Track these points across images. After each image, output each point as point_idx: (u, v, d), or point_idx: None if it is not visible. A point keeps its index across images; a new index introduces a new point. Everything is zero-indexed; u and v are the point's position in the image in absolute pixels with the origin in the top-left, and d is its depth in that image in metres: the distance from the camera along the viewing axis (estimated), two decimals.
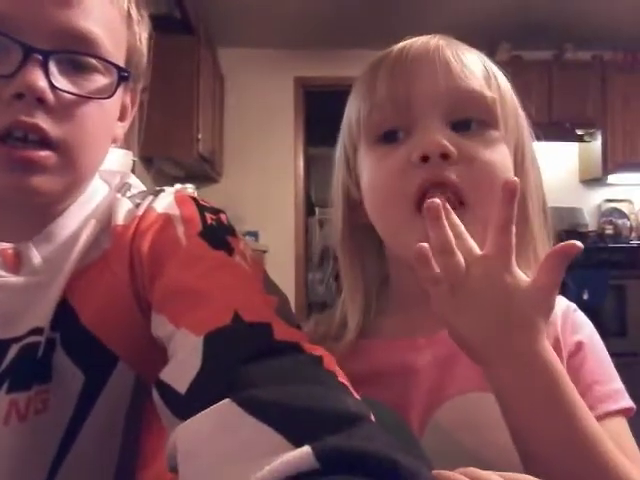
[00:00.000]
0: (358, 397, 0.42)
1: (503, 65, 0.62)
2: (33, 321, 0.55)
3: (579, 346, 0.58)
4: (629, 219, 4.48)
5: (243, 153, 4.31)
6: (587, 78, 4.24)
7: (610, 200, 4.61)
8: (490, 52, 0.62)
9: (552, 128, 3.85)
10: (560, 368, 0.47)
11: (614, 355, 0.60)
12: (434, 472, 0.42)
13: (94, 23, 0.54)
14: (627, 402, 0.56)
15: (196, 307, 0.49)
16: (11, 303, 0.56)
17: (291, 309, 0.53)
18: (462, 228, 0.48)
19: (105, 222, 0.61)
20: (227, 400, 0.38)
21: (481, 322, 0.47)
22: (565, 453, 0.46)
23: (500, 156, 0.56)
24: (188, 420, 0.40)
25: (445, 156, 0.53)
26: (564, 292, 0.61)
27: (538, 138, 0.63)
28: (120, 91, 0.59)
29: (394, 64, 0.57)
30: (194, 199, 0.63)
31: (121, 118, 0.65)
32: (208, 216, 0.60)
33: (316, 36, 4.13)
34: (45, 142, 0.53)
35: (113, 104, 0.60)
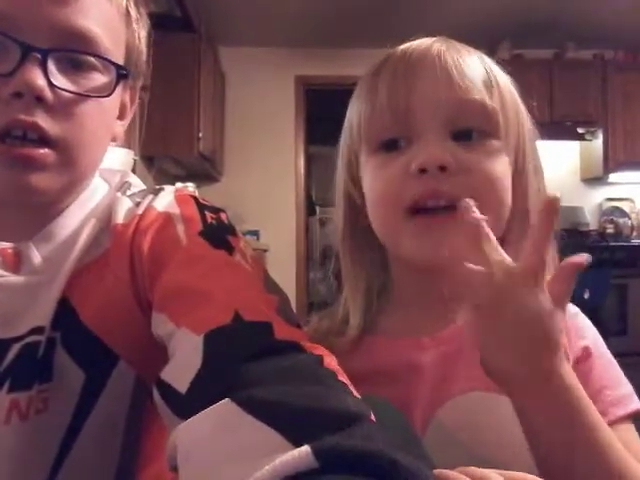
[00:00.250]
0: (358, 396, 0.42)
1: (504, 64, 0.62)
2: (34, 320, 0.55)
3: (586, 352, 0.58)
4: (630, 218, 4.47)
5: (244, 152, 4.31)
6: (588, 77, 4.24)
7: (611, 199, 4.60)
8: (491, 51, 0.62)
9: (553, 127, 3.85)
10: (580, 387, 0.47)
11: (615, 355, 0.60)
12: (435, 471, 0.42)
13: (92, 21, 0.54)
14: (637, 404, 0.57)
15: (196, 306, 0.49)
16: (11, 303, 0.56)
17: (291, 308, 0.53)
18: (494, 241, 0.47)
19: (105, 221, 0.61)
20: (227, 400, 0.38)
21: (514, 342, 0.46)
22: (584, 465, 0.46)
23: (499, 167, 0.56)
24: (188, 420, 0.39)
25: (443, 168, 0.53)
26: None
27: (539, 137, 0.63)
28: (119, 89, 0.59)
29: (394, 72, 0.57)
30: (194, 198, 0.63)
31: (120, 116, 0.65)
32: (208, 215, 0.60)
33: (317, 35, 4.13)
34: (44, 140, 0.53)
35: (112, 102, 0.60)
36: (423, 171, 0.53)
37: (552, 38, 4.16)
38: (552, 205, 0.46)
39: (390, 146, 0.58)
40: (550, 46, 4.23)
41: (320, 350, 0.46)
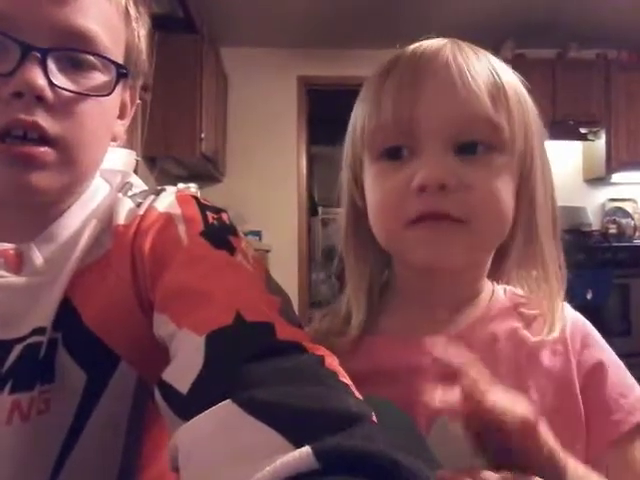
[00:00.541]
0: (360, 397, 0.42)
1: (506, 64, 0.61)
2: (35, 321, 0.55)
3: (599, 364, 0.58)
4: (633, 218, 4.46)
5: (246, 152, 4.31)
6: (591, 77, 4.23)
7: (614, 199, 4.59)
8: (494, 51, 0.61)
9: (556, 127, 3.84)
10: None
11: (619, 355, 0.61)
12: (438, 473, 0.42)
13: (92, 20, 0.54)
14: None
15: (198, 307, 0.49)
16: (13, 303, 0.56)
17: (293, 309, 0.53)
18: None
19: (106, 222, 0.61)
20: (228, 401, 0.38)
21: None
22: None
23: (502, 183, 0.55)
24: (189, 421, 0.39)
25: (443, 186, 0.53)
26: (567, 291, 0.61)
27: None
28: (119, 89, 0.59)
29: (400, 82, 0.56)
30: (195, 198, 0.62)
31: (121, 116, 0.65)
32: (210, 215, 0.60)
33: (319, 35, 4.13)
34: (44, 139, 0.53)
35: (112, 102, 0.60)
36: (423, 189, 0.53)
37: (555, 38, 4.16)
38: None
39: (393, 154, 0.57)
40: (553, 46, 4.23)
41: (322, 351, 0.46)
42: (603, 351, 0.60)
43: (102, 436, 0.58)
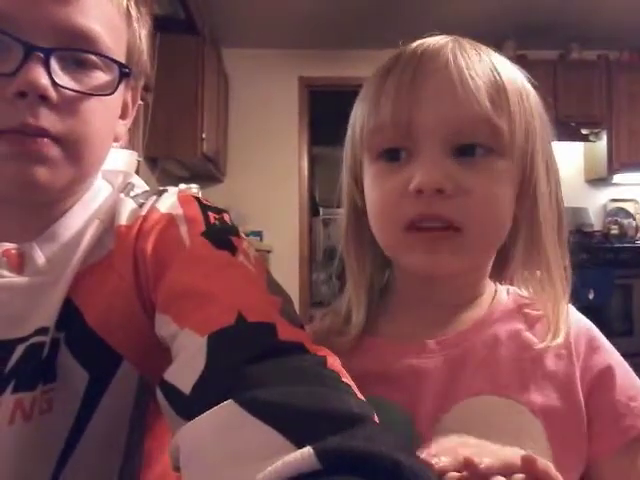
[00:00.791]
0: (362, 397, 0.42)
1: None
2: (38, 321, 0.55)
3: (607, 369, 0.57)
4: (635, 219, 4.45)
5: (247, 153, 4.32)
6: (592, 78, 4.23)
7: (615, 200, 4.59)
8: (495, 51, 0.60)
9: (557, 127, 3.81)
10: None
11: (621, 355, 0.60)
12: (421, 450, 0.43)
13: (93, 20, 0.54)
14: None
15: (200, 307, 0.49)
16: (16, 303, 0.56)
17: (295, 309, 0.53)
18: None
19: (108, 222, 0.61)
20: (230, 401, 0.38)
21: None
22: None
23: (500, 187, 0.55)
24: (191, 421, 0.40)
25: (440, 191, 0.52)
26: (570, 292, 0.61)
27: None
28: (121, 89, 0.59)
29: (399, 83, 0.55)
30: (197, 199, 0.63)
31: (123, 116, 0.65)
32: (211, 216, 0.60)
33: (320, 36, 4.13)
34: (48, 137, 0.53)
35: (115, 101, 0.60)
36: (420, 192, 0.53)
37: (556, 39, 4.16)
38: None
39: (391, 155, 0.57)
40: (554, 47, 4.23)
41: (324, 351, 0.46)
42: (610, 355, 0.59)
43: (104, 436, 0.58)
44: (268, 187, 4.31)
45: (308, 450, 0.33)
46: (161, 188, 0.66)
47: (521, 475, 0.41)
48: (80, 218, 0.61)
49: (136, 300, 0.58)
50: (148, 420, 0.62)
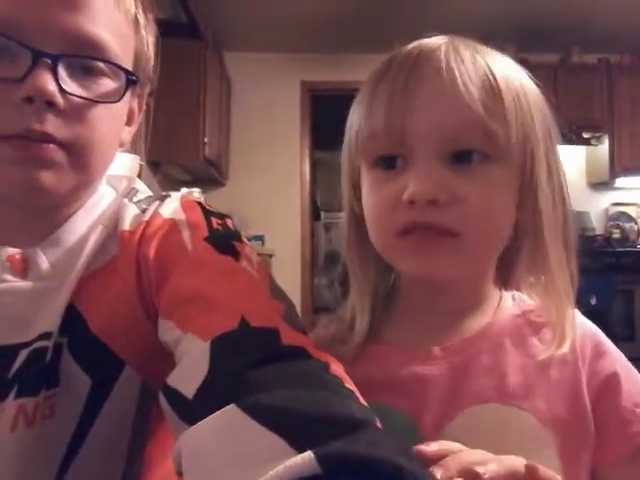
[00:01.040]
0: (365, 403, 0.42)
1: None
2: (42, 326, 0.55)
3: (613, 375, 0.57)
4: (637, 223, 4.45)
5: (249, 157, 4.32)
6: (593, 81, 4.23)
7: (617, 204, 4.59)
8: None
9: (558, 131, 3.84)
10: None
11: None
12: (417, 447, 0.43)
13: (102, 28, 0.55)
14: None
15: (203, 312, 0.49)
16: (19, 308, 0.56)
17: (297, 314, 0.53)
18: None
19: (112, 227, 0.61)
20: (232, 405, 0.38)
21: None
22: None
23: (498, 195, 0.54)
24: (194, 425, 0.40)
25: (434, 201, 0.51)
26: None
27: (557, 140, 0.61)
28: (128, 95, 0.60)
29: (392, 89, 0.54)
30: (200, 204, 0.63)
31: (128, 122, 0.66)
32: (214, 221, 0.60)
33: (323, 40, 4.14)
34: (54, 143, 0.53)
35: (121, 108, 0.61)
36: (413, 203, 0.52)
37: (557, 42, 4.16)
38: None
39: (387, 163, 0.56)
40: (555, 50, 4.23)
41: (326, 357, 0.46)
42: (616, 360, 0.58)
43: (106, 441, 0.58)
44: (270, 191, 4.32)
45: (309, 454, 0.33)
46: (164, 193, 0.66)
47: None
48: (84, 223, 0.61)
49: (139, 305, 0.58)
50: (150, 425, 0.62)
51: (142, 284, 0.58)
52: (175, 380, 0.45)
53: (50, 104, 0.52)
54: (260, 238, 4.17)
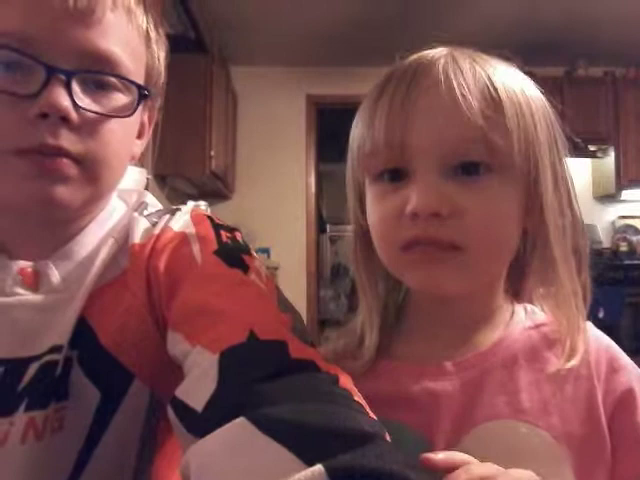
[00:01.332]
0: (374, 417, 0.42)
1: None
2: (52, 339, 0.55)
3: (629, 391, 0.55)
4: None
5: (255, 170, 4.34)
6: (599, 94, 4.23)
7: (624, 217, 4.57)
8: None
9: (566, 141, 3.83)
10: None
11: None
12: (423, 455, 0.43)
13: (114, 43, 0.55)
14: None
15: (212, 325, 0.49)
16: (30, 321, 0.56)
17: (305, 327, 0.53)
18: None
19: (123, 241, 0.62)
20: (241, 418, 0.38)
21: None
22: None
23: (501, 207, 0.53)
24: (203, 438, 0.40)
25: (436, 214, 0.51)
26: None
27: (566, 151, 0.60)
28: (139, 109, 0.60)
29: (391, 103, 0.54)
30: (209, 217, 0.63)
31: (139, 136, 0.66)
32: (224, 234, 0.60)
33: (328, 54, 4.17)
34: (68, 157, 0.53)
35: (133, 122, 0.61)
36: (416, 216, 0.52)
37: (563, 55, 4.17)
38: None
39: (390, 176, 0.56)
40: (561, 63, 4.24)
41: (335, 369, 0.46)
42: (632, 375, 0.57)
43: (115, 454, 0.58)
44: (276, 204, 4.33)
45: (319, 468, 0.33)
46: (174, 207, 0.66)
47: None
48: (95, 236, 0.61)
49: (149, 318, 0.58)
50: (158, 438, 0.62)
51: (152, 297, 0.58)
52: (183, 393, 0.45)
53: (64, 119, 0.52)
54: (266, 250, 4.17)
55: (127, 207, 0.66)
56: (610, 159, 4.32)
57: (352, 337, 0.63)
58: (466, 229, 0.52)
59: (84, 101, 0.54)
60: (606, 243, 4.41)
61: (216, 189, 4.02)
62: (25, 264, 0.58)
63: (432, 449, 0.52)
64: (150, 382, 0.59)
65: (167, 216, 0.64)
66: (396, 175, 0.55)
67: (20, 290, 0.57)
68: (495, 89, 0.53)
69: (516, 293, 0.62)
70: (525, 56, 0.59)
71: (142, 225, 0.63)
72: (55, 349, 0.55)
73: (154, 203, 0.69)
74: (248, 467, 0.36)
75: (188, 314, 0.52)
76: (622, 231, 4.47)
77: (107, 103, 0.56)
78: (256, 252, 0.63)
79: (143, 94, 0.59)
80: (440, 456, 0.44)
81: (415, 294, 0.62)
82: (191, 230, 0.60)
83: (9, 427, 0.53)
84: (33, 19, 0.52)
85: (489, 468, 0.43)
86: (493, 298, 0.60)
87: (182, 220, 0.62)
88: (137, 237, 0.61)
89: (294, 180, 4.39)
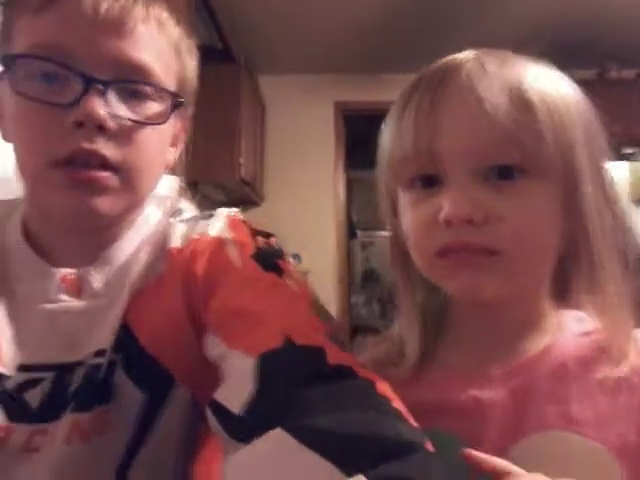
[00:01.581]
0: (414, 423, 0.41)
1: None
2: (96, 344, 0.57)
3: None
4: None
5: (284, 177, 4.36)
6: (632, 96, 4.15)
7: None
8: None
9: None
10: None
11: None
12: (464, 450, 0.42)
13: (147, 53, 0.57)
14: None
15: (249, 329, 0.50)
16: (76, 327, 0.58)
17: (341, 333, 0.53)
18: None
19: (160, 246, 0.63)
20: (278, 429, 0.38)
21: None
22: None
23: (537, 211, 0.52)
24: (239, 450, 0.40)
25: (470, 221, 0.50)
26: None
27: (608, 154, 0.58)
28: (173, 118, 0.61)
29: (418, 110, 0.54)
30: (245, 223, 0.64)
31: (173, 144, 0.68)
32: (259, 239, 0.61)
33: (355, 61, 4.17)
34: (105, 166, 0.55)
35: (167, 130, 0.62)
36: (449, 223, 0.51)
37: (593, 58, 4.10)
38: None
39: (422, 183, 0.55)
40: (592, 66, 4.17)
41: (373, 375, 0.45)
42: None
43: (158, 455, 0.59)
44: (305, 210, 4.34)
45: (359, 478, 0.32)
46: (210, 212, 0.67)
47: None
48: (133, 242, 0.63)
49: (187, 321, 0.59)
50: (199, 440, 0.63)
51: (190, 300, 0.59)
52: (222, 396, 0.46)
53: (100, 128, 0.53)
54: (296, 256, 4.18)
55: (163, 213, 0.68)
56: None
57: (392, 344, 0.62)
58: (501, 234, 0.51)
59: (119, 109, 0.55)
60: None
61: (245, 196, 4.05)
62: (67, 271, 0.59)
63: None
64: (190, 385, 0.60)
65: (203, 221, 0.65)
66: (428, 181, 0.54)
67: (64, 297, 0.58)
68: (525, 90, 0.52)
69: (562, 298, 0.60)
70: (554, 59, 0.58)
71: (179, 230, 0.64)
72: (99, 353, 0.56)
73: (189, 208, 0.70)
74: (287, 478, 0.35)
75: (226, 317, 0.53)
76: None
77: (141, 111, 0.57)
78: None
79: (176, 102, 0.60)
80: (482, 456, 0.43)
81: (455, 299, 0.60)
82: (228, 235, 0.61)
83: (55, 429, 0.55)
84: (68, 31, 0.54)
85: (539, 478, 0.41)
86: (538, 303, 0.58)
87: (219, 225, 0.64)
88: (175, 242, 0.63)
89: (323, 187, 4.39)
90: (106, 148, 0.54)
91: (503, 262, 0.51)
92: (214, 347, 0.53)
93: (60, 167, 0.54)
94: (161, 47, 0.59)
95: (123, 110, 0.56)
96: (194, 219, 0.66)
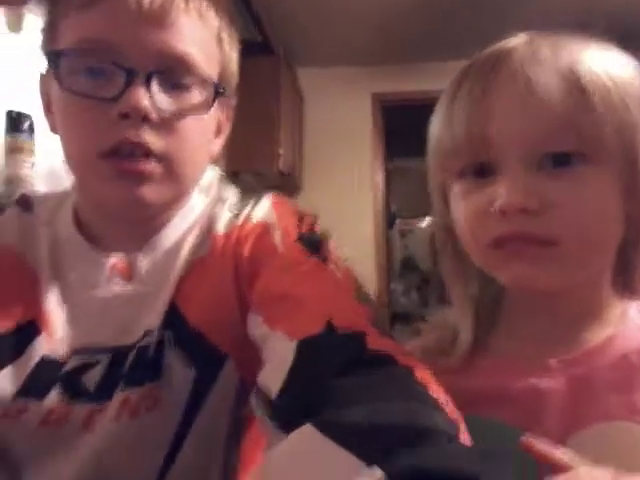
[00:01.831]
0: (452, 409, 0.41)
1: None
2: (146, 325, 0.59)
3: None
4: None
5: (322, 167, 4.36)
6: None
7: None
8: None
9: None
10: None
11: None
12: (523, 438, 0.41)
13: (189, 44, 0.57)
14: None
15: (291, 312, 0.50)
16: (127, 311, 0.60)
17: (383, 319, 0.53)
18: None
19: (205, 231, 0.64)
20: (307, 425, 0.37)
21: None
22: None
23: (595, 198, 0.49)
24: (273, 447, 0.40)
25: (525, 210, 0.49)
26: None
27: None
28: (216, 107, 0.62)
29: (469, 97, 0.53)
30: (290, 206, 0.65)
31: (217, 134, 0.69)
32: (304, 224, 0.62)
33: (392, 51, 4.13)
34: (151, 155, 0.56)
35: (210, 119, 0.63)
36: (504, 212, 0.50)
37: (637, 47, 3.95)
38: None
39: (474, 171, 0.54)
40: (637, 55, 4.02)
41: (413, 361, 0.45)
42: None
43: (208, 433, 0.60)
44: (343, 200, 4.33)
45: (380, 474, 0.32)
46: (255, 198, 0.68)
47: None
48: (179, 229, 0.65)
49: (236, 303, 0.60)
50: (246, 420, 0.64)
51: (238, 282, 0.60)
52: (262, 379, 0.47)
53: (145, 119, 0.55)
54: None
55: (208, 200, 0.69)
56: None
57: (445, 332, 0.62)
58: (559, 223, 0.49)
59: (163, 100, 0.56)
60: None
61: (284, 187, 4.08)
62: (117, 258, 0.62)
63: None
64: (239, 362, 0.61)
65: (249, 207, 0.66)
66: (480, 171, 0.53)
67: (114, 283, 0.61)
68: (579, 74, 0.50)
69: (627, 288, 0.57)
70: (615, 42, 0.55)
71: (225, 216, 0.65)
72: (148, 333, 0.59)
73: (233, 195, 0.70)
74: (315, 474, 0.35)
75: (269, 299, 0.54)
76: None
77: (184, 101, 0.58)
78: None
79: (218, 91, 0.61)
80: (544, 447, 0.42)
81: (511, 289, 0.59)
82: (273, 219, 0.63)
83: (106, 406, 0.57)
84: (113, 26, 0.55)
85: (602, 476, 0.40)
86: (598, 293, 0.56)
87: (264, 209, 0.65)
88: (220, 228, 0.64)
89: (361, 177, 4.37)
90: (150, 138, 0.55)
91: (561, 252, 0.50)
92: (256, 327, 0.54)
93: (106, 158, 0.55)
94: (203, 37, 0.60)
95: (166, 101, 0.57)
96: (239, 204, 0.68)
